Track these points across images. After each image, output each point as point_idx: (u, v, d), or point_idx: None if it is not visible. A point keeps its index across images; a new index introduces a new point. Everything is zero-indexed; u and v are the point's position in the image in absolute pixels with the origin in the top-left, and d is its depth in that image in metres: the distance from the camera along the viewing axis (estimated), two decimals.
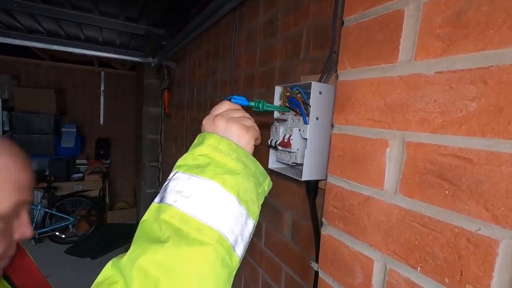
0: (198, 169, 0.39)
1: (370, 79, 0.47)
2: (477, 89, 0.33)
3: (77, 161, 4.45)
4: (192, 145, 0.43)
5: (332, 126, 0.55)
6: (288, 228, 0.91)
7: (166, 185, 0.39)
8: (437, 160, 0.37)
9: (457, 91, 0.35)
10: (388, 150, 0.43)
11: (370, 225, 0.46)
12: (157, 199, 0.38)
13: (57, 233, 3.66)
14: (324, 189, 0.72)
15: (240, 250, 0.36)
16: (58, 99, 4.08)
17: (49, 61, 4.28)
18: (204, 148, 0.41)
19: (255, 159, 0.44)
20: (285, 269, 0.91)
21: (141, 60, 2.23)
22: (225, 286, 0.33)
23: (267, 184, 0.44)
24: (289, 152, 0.70)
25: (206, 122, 0.45)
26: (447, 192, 0.36)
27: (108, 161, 4.78)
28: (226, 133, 0.43)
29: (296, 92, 0.70)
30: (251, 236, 0.40)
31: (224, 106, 0.48)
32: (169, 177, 0.40)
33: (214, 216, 0.35)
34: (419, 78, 0.39)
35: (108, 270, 0.33)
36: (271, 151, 0.78)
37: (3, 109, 3.66)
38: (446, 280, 0.35)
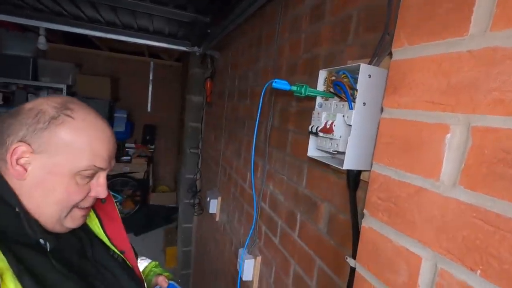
0: None
1: (432, 56, 0.41)
2: None
3: (126, 145, 4.82)
4: None
5: (382, 110, 0.50)
6: (324, 221, 0.87)
7: None
8: None
9: None
10: (448, 136, 0.38)
11: (420, 219, 0.41)
12: None
13: None
14: (366, 181, 0.68)
15: None
16: (112, 87, 4.44)
17: (107, 51, 4.66)
18: None
19: None
20: (319, 262, 0.88)
21: (187, 49, 2.31)
22: None
23: None
24: (331, 139, 0.66)
25: None
26: None
27: (153, 146, 5.10)
28: None
29: (343, 76, 0.66)
30: None
31: None
32: None
33: None
34: (495, 52, 0.34)
35: None
36: (311, 138, 0.75)
37: (67, 93, 4.08)
38: None
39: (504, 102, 0.32)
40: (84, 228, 0.69)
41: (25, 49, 3.67)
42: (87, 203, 0.61)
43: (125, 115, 4.63)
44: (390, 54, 0.63)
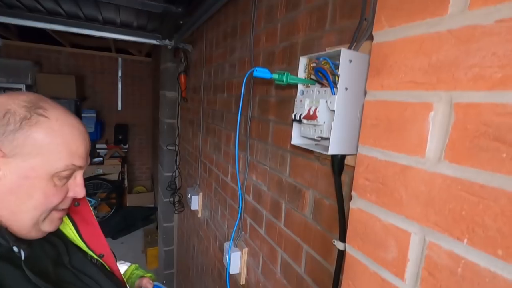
0: None
1: (412, 37, 0.42)
2: None
3: (97, 146, 4.59)
4: None
5: (365, 94, 0.51)
6: (310, 207, 0.88)
7: None
8: (493, 121, 0.33)
9: None
10: (432, 114, 0.39)
11: (407, 196, 0.43)
12: None
13: None
14: (350, 166, 0.69)
15: None
16: (78, 85, 4.18)
17: (69, 47, 4.36)
18: None
19: None
20: (306, 248, 0.90)
21: (157, 43, 2.22)
22: None
23: None
24: (315, 125, 0.66)
25: None
26: (504, 155, 0.32)
27: (127, 146, 4.90)
28: None
29: (324, 62, 0.66)
30: None
31: None
32: None
33: None
34: (474, 30, 0.35)
35: None
36: (295, 125, 0.75)
37: None
38: (499, 252, 0.32)
39: (484, 77, 0.34)
40: (58, 234, 0.66)
41: None
42: (65, 204, 0.59)
43: (94, 115, 4.40)
44: (369, 38, 0.64)
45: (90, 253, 0.71)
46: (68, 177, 0.57)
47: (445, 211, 0.37)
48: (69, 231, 0.69)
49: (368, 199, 0.49)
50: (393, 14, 0.45)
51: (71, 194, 0.59)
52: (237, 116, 1.02)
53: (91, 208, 0.83)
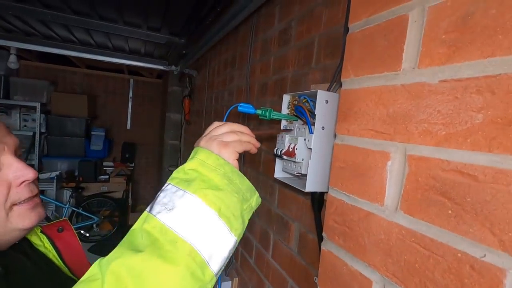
0: (186, 183, 0.42)
1: (373, 88, 0.44)
2: (484, 99, 0.30)
3: (104, 163, 4.67)
4: (189, 158, 0.47)
5: (335, 136, 0.52)
6: (295, 241, 0.88)
7: (157, 195, 0.43)
8: (439, 176, 0.34)
9: (462, 101, 0.32)
10: (389, 163, 0.40)
11: (369, 243, 0.43)
12: (148, 208, 0.42)
13: (82, 232, 3.83)
14: None
15: (216, 266, 0.38)
16: (90, 104, 4.33)
17: (85, 68, 4.58)
18: (194, 163, 0.44)
19: (242, 175, 0.46)
20: (291, 283, 0.88)
21: (164, 68, 2.31)
22: None
23: (254, 200, 0.46)
24: (294, 162, 0.68)
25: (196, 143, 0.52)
26: (450, 211, 0.32)
27: (133, 164, 4.96)
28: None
29: (303, 100, 0.68)
30: (232, 252, 0.41)
31: (221, 129, 0.53)
32: (162, 188, 0.44)
33: (190, 230, 0.38)
34: (422, 87, 0.37)
35: (94, 268, 0.36)
36: (277, 160, 0.76)
37: (41, 112, 3.94)
38: None
39: (432, 133, 0.35)
40: (47, 262, 0.67)
41: None
42: (22, 194, 0.52)
43: (103, 133, 4.51)
44: None
45: (75, 279, 0.71)
46: None
47: (401, 262, 0.37)
48: (53, 258, 0.70)
49: (337, 242, 0.49)
50: (357, 65, 0.48)
51: (15, 181, 0.50)
52: None
53: (75, 233, 0.83)
